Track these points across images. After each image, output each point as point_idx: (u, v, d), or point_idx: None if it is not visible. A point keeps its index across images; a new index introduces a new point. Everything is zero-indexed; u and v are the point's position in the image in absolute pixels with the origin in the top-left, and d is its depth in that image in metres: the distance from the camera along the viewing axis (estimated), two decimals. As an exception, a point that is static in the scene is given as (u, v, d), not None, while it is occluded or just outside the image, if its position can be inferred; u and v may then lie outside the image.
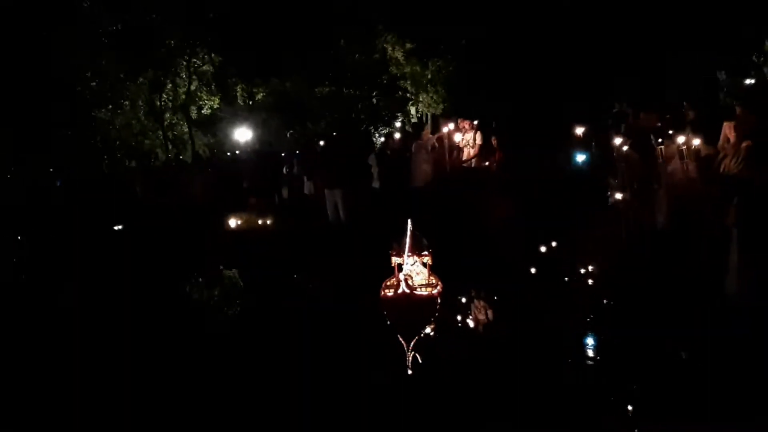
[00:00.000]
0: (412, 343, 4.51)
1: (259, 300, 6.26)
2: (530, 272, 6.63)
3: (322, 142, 11.34)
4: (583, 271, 6.54)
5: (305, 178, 11.28)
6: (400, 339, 4.60)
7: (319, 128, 14.74)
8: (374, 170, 10.45)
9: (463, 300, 5.91)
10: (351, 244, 8.00)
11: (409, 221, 5.36)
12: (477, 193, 9.00)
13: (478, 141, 9.90)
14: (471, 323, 5.34)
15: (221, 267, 7.69)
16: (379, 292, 5.35)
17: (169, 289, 6.65)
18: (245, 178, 11.61)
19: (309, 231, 9.27)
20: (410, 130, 12.75)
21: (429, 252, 5.42)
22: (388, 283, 5.41)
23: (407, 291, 5.00)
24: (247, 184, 11.41)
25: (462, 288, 6.02)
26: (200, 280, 7.21)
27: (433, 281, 5.47)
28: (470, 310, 5.61)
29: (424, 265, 5.50)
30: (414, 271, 5.48)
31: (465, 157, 10.07)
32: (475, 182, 9.38)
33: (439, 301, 5.31)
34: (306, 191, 11.27)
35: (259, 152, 12.25)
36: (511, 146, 9.55)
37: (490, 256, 6.93)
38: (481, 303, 5.77)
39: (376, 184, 10.50)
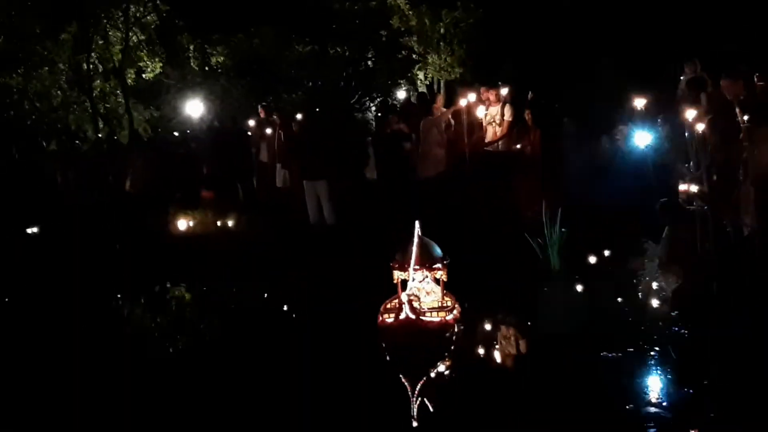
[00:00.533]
0: (419, 386, 4.42)
1: (218, 329, 6.18)
2: (576, 290, 6.56)
3: (299, 117, 11.11)
4: (645, 288, 6.39)
5: (278, 166, 11.15)
6: (403, 380, 4.52)
7: (296, 99, 14.61)
8: (369, 156, 10.37)
9: (488, 327, 5.79)
10: (338, 254, 7.87)
11: (416, 223, 5.27)
12: (506, 185, 8.88)
13: (507, 117, 9.78)
14: (497, 359, 5.21)
15: (167, 283, 7.64)
16: (376, 318, 5.20)
17: (97, 312, 6.56)
18: (199, 165, 11.49)
19: (283, 236, 9.16)
20: (417, 102, 12.52)
21: (443, 264, 5.35)
22: (388, 306, 5.30)
23: (412, 317, 4.90)
24: (202, 173, 11.32)
25: (486, 311, 5.91)
26: (140, 299, 7.15)
27: (448, 303, 5.38)
28: (496, 341, 5.48)
29: (437, 281, 5.41)
30: (423, 290, 5.39)
31: (490, 137, 9.96)
32: (502, 171, 9.26)
33: (455, 329, 5.19)
34: (279, 183, 11.17)
35: (218, 131, 12.15)
36: (550, 124, 9.36)
37: (523, 269, 6.84)
38: (511, 331, 5.66)
39: (371, 174, 10.43)
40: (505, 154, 9.78)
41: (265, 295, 7.21)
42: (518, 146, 9.76)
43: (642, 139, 8.50)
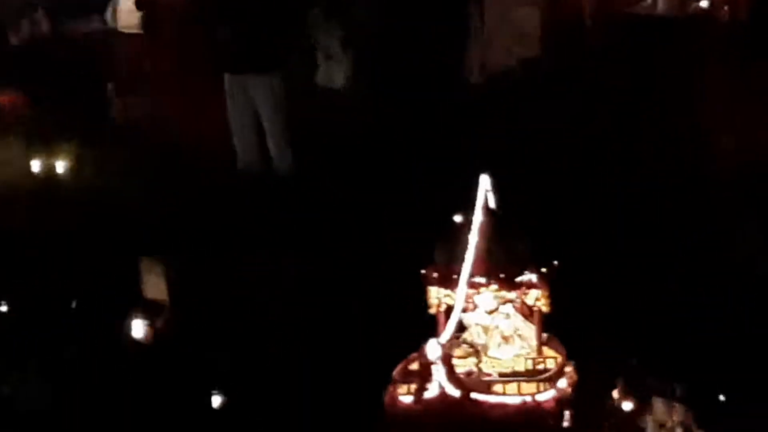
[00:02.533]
0: None
1: (36, 388, 5.22)
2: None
3: None
4: None
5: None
6: None
7: None
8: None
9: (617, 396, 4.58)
10: (299, 238, 6.69)
11: (481, 179, 4.27)
12: (681, 91, 7.29)
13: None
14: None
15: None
16: (384, 393, 4.41)
17: None
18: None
19: (180, 195, 7.83)
20: None
21: (542, 275, 4.20)
22: (409, 368, 4.39)
23: (454, 394, 4.15)
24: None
25: (628, 374, 4.68)
26: None
27: (551, 363, 4.37)
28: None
29: (529, 311, 4.35)
30: (495, 331, 4.48)
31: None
32: (671, 61, 7.66)
33: (562, 421, 4.28)
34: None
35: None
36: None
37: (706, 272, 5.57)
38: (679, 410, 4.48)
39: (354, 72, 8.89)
40: (672, 24, 8.29)
41: (144, 324, 5.99)
42: (701, 3, 8.24)
43: None
